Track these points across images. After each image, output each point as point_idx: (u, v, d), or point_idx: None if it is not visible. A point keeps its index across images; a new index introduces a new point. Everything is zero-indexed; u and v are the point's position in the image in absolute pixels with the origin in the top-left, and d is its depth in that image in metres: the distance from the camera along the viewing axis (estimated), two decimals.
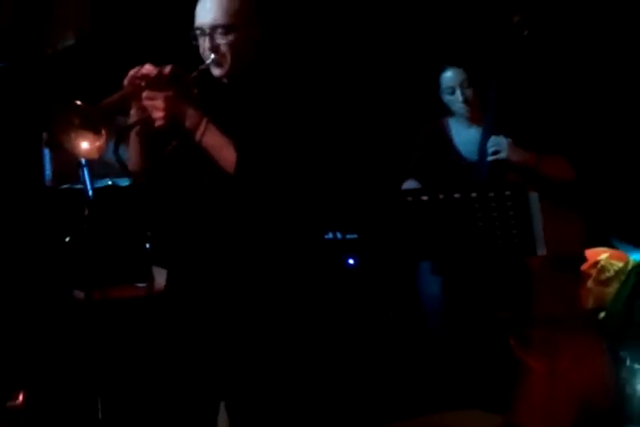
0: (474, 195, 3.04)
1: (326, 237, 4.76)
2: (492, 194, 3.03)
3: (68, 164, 4.11)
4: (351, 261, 4.82)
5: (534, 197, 2.98)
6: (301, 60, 2.72)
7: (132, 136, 2.41)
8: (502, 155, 3.55)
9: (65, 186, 4.28)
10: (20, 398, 3.53)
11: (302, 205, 2.44)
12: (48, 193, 4.35)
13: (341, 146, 4.02)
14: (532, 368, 3.21)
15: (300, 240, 2.46)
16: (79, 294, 3.85)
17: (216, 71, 2.44)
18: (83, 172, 3.76)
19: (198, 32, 2.43)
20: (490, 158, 3.57)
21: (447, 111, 3.91)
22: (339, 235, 4.83)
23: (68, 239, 4.17)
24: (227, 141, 2.33)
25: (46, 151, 4.36)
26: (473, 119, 3.83)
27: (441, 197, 3.11)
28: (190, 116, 2.31)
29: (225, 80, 2.47)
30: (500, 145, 3.56)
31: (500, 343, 3.27)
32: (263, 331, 2.40)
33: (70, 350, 3.70)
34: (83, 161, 3.72)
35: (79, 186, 3.94)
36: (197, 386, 2.40)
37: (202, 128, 2.31)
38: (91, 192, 3.75)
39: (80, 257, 3.85)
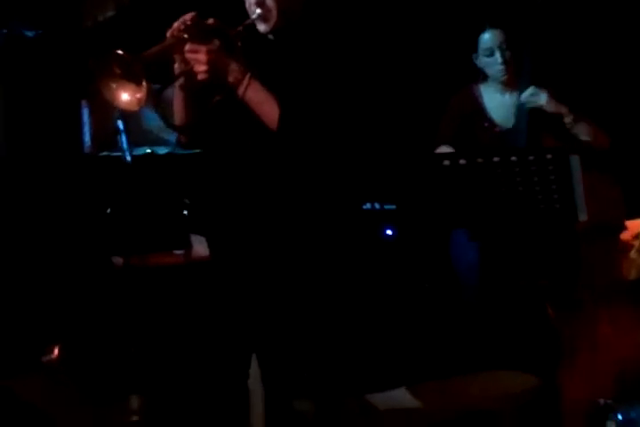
0: (513, 158, 2.99)
1: (364, 207, 4.75)
2: (532, 157, 2.98)
3: (107, 130, 4.13)
4: (389, 232, 4.79)
5: (576, 160, 2.93)
6: (344, 15, 2.68)
7: (176, 90, 2.40)
8: (542, 101, 3.51)
9: (104, 153, 4.30)
10: (56, 352, 3.59)
11: (343, 163, 2.43)
12: (87, 160, 4.39)
13: (380, 106, 3.98)
14: (571, 336, 3.17)
15: (341, 201, 2.46)
16: (118, 261, 3.88)
17: (261, 26, 2.42)
18: (121, 138, 3.78)
19: None
20: (528, 104, 3.52)
21: (479, 76, 3.86)
22: (377, 205, 4.81)
23: (108, 211, 4.19)
24: (270, 97, 2.32)
25: (85, 118, 4.39)
26: (508, 83, 3.78)
27: (479, 160, 3.06)
28: (233, 70, 2.29)
29: (270, 36, 2.44)
30: (538, 94, 3.53)
31: (539, 311, 3.24)
32: (298, 292, 2.40)
33: (107, 311, 3.74)
34: (121, 127, 3.74)
35: (118, 153, 3.96)
36: (229, 340, 2.42)
37: (245, 83, 2.29)
38: (129, 158, 3.76)
39: (118, 224, 3.88)
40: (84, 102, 4.36)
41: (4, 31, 4.21)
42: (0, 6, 4.33)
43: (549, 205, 3.00)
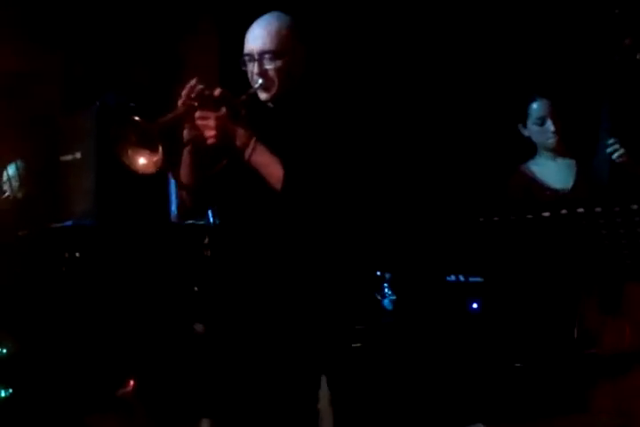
0: (598, 210, 2.93)
1: (448, 279, 4.71)
2: (617, 209, 2.91)
3: None
4: (475, 306, 4.71)
5: None
6: (343, 81, 2.82)
7: (184, 153, 2.52)
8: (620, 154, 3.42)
9: (189, 221, 4.41)
10: (131, 385, 3.62)
11: (346, 221, 2.52)
12: (174, 228, 4.51)
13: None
14: None
15: (343, 256, 2.51)
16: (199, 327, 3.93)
17: (263, 95, 2.55)
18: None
19: (247, 58, 2.54)
20: (615, 155, 3.42)
21: (528, 146, 3.88)
22: (461, 277, 4.76)
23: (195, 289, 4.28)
24: (274, 159, 2.43)
25: (172, 188, 4.53)
26: (558, 150, 3.80)
27: (563, 212, 3.02)
28: (240, 135, 2.42)
29: (270, 103, 2.57)
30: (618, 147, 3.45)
31: None
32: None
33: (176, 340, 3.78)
34: None
35: (202, 221, 4.07)
36: (299, 362, 2.40)
37: (251, 147, 2.42)
38: (212, 220, 3.86)
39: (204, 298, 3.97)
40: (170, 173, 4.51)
41: (98, 104, 4.46)
42: (98, 80, 4.62)
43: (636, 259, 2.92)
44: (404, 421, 3.06)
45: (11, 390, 3.85)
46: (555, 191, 3.80)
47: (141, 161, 2.32)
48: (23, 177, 4.84)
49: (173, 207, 4.57)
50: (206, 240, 3.89)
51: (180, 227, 4.50)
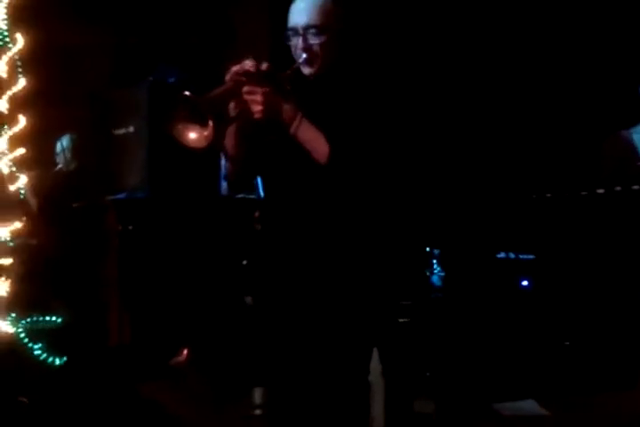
0: None
1: (499, 256, 4.68)
2: None
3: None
4: (525, 283, 4.69)
5: None
6: (386, 55, 2.78)
7: (231, 128, 2.52)
8: None
9: (240, 195, 4.43)
10: (184, 354, 3.67)
11: (393, 196, 2.49)
12: (225, 202, 4.54)
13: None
14: None
15: (391, 231, 2.50)
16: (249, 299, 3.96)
17: (306, 70, 2.53)
18: (257, 179, 3.91)
19: (291, 32, 2.53)
20: None
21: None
22: (512, 255, 4.73)
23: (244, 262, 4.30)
24: (319, 135, 2.42)
25: (223, 162, 4.55)
26: None
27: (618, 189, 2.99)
28: (286, 110, 2.41)
29: (312, 78, 2.56)
30: None
31: None
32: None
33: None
34: None
35: (253, 195, 4.08)
36: (350, 334, 2.41)
37: (297, 122, 2.41)
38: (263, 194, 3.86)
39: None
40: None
41: (151, 79, 4.48)
42: (150, 54, 4.64)
43: None
44: (454, 395, 3.07)
45: (65, 359, 3.92)
46: None
47: (192, 136, 2.32)
48: (76, 150, 4.90)
49: (224, 180, 4.59)
50: (257, 214, 3.90)
51: (231, 200, 4.53)
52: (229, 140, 2.53)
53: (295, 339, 2.42)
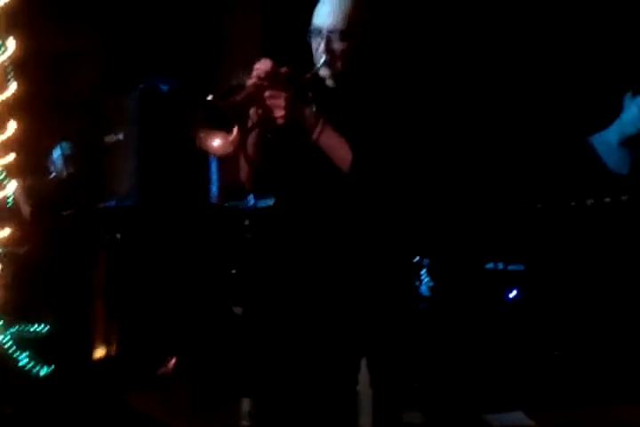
0: None
1: (487, 266, 4.68)
2: None
3: (235, 182, 4.28)
4: (512, 294, 4.68)
5: None
6: (406, 60, 2.75)
7: (250, 136, 2.42)
8: None
9: (230, 203, 4.43)
10: (172, 363, 3.66)
11: (410, 204, 2.47)
12: (214, 209, 4.53)
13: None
14: None
15: (397, 243, 2.48)
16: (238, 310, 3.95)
17: (324, 72, 2.47)
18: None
19: (314, 33, 2.47)
20: None
21: None
22: (500, 265, 4.73)
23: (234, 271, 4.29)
24: (342, 141, 2.37)
25: (213, 170, 4.55)
26: None
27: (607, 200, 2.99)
28: (308, 116, 2.36)
29: (329, 82, 2.51)
30: None
31: None
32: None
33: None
34: None
35: (244, 204, 4.08)
36: (339, 344, 2.40)
37: (319, 128, 2.35)
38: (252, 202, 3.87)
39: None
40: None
41: (142, 86, 4.48)
42: (141, 61, 4.62)
43: None
44: (443, 406, 3.07)
45: (52, 368, 3.90)
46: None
47: (216, 143, 2.28)
48: (69, 158, 4.88)
49: (214, 188, 4.60)
50: (247, 222, 3.89)
51: (221, 208, 4.52)
52: (249, 149, 2.50)
53: (284, 349, 2.41)
